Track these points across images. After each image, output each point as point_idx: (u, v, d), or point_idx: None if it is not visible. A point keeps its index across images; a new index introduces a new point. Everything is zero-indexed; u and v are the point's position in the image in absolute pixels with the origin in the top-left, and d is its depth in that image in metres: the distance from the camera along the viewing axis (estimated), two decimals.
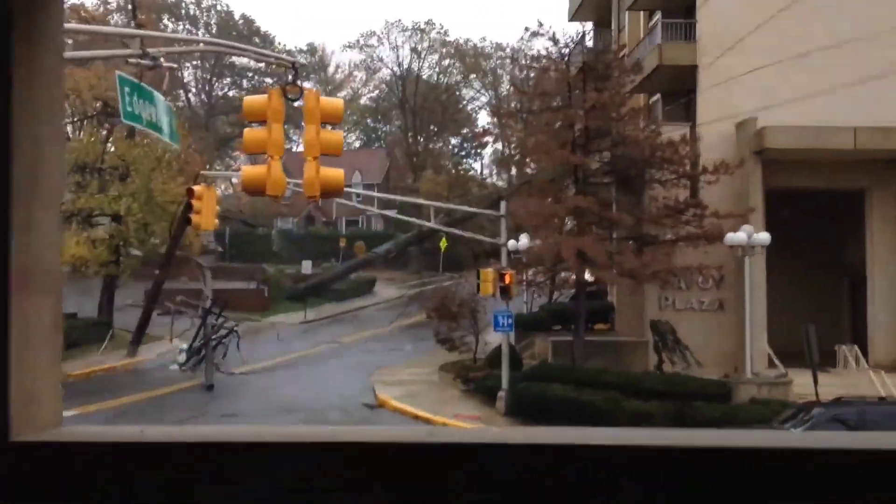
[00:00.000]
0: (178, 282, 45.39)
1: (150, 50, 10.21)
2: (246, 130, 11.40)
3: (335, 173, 11.39)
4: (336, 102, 12.72)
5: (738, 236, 26.88)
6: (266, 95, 11.38)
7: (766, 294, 28.33)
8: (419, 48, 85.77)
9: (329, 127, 11.46)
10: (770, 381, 26.24)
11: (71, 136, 51.59)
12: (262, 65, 68.78)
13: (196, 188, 20.60)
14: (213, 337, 30.80)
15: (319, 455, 1.18)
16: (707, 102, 30.74)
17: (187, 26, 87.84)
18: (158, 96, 11.12)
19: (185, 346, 31.99)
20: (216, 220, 23.06)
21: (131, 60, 10.15)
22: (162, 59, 10.43)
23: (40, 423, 1.25)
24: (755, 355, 27.19)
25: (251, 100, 11.52)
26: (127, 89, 10.09)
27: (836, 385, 24.14)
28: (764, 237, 27.06)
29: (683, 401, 23.90)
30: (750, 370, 26.85)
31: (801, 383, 24.37)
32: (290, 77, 11.75)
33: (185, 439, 1.24)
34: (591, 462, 1.19)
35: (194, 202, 20.52)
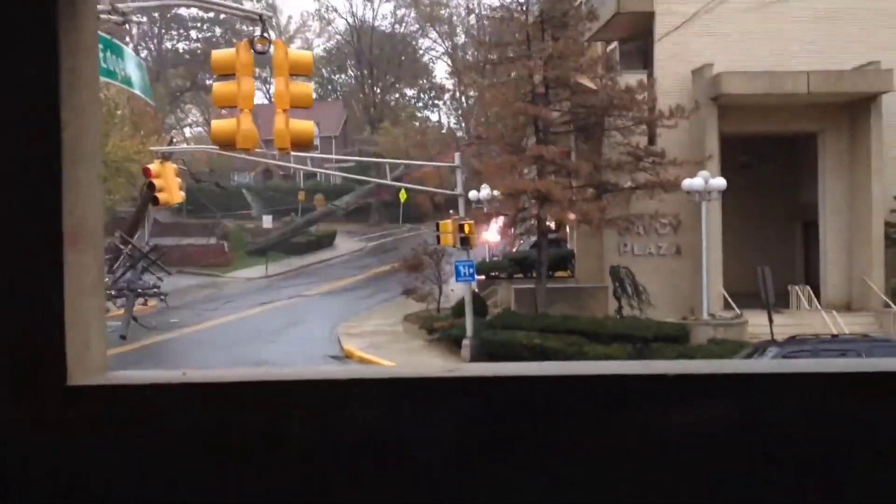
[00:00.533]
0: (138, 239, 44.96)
1: (118, 5, 10.20)
2: (215, 85, 11.44)
3: (305, 125, 11.51)
4: (305, 55, 12.78)
5: (694, 182, 27.38)
6: (234, 49, 11.42)
7: (723, 238, 28.94)
8: None
9: (299, 80, 11.57)
10: (726, 322, 26.97)
11: None
12: (209, 14, 67.48)
13: (151, 167, 20.40)
14: (134, 287, 30.05)
15: (358, 389, 1.30)
16: (664, 49, 31.01)
17: None
18: (128, 51, 11.13)
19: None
20: (182, 193, 22.88)
21: (101, 16, 10.12)
22: (131, 14, 10.40)
23: (92, 369, 1.35)
24: (712, 298, 27.88)
25: (219, 54, 11.55)
26: (101, 46, 10.07)
27: (790, 325, 24.88)
28: (720, 183, 27.58)
29: (643, 343, 24.53)
30: (707, 312, 27.54)
31: (757, 324, 25.07)
32: (247, 33, 11.78)
33: (223, 379, 1.33)
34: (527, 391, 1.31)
35: (155, 181, 20.34)
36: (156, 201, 21.36)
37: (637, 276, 29.07)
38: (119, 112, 41.31)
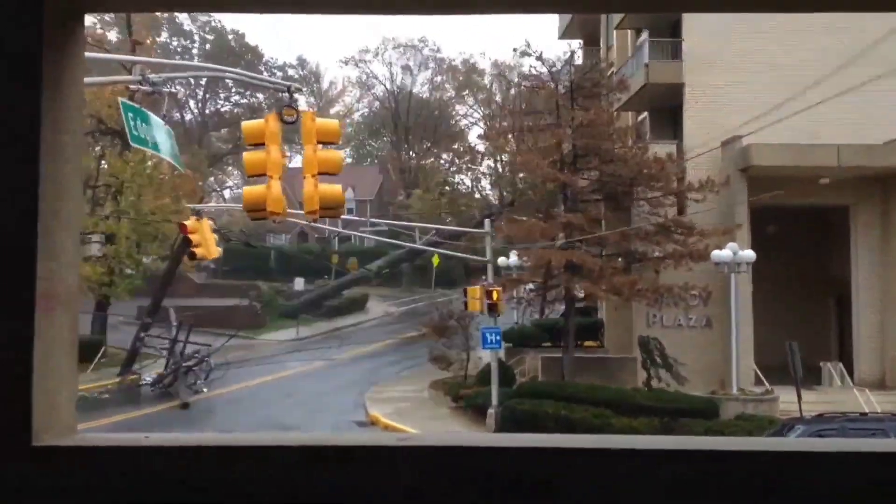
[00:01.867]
0: (173, 298, 45.47)
1: (150, 75, 10.54)
2: (246, 154, 11.79)
3: (333, 189, 11.73)
4: (332, 123, 13.05)
5: (723, 254, 27.22)
6: (263, 120, 11.76)
7: (753, 311, 28.63)
8: (412, 65, 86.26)
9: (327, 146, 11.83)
10: (756, 398, 26.53)
11: None
12: (267, 84, 69.18)
13: (188, 223, 20.79)
14: (184, 364, 31.53)
15: (313, 455, 1.32)
16: (693, 120, 31.19)
17: (183, 41, 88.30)
18: (157, 120, 11.45)
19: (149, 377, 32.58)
20: (218, 248, 23.23)
21: (132, 86, 10.46)
22: (161, 85, 10.75)
23: (59, 429, 1.37)
24: (742, 372, 27.48)
25: (249, 125, 11.90)
26: (131, 115, 10.42)
27: (821, 402, 24.40)
28: (749, 255, 27.39)
29: (671, 417, 24.18)
30: (736, 386, 27.12)
31: (787, 400, 24.63)
32: (286, 99, 12.07)
33: (184, 443, 1.35)
34: (551, 465, 1.28)
35: (192, 236, 20.67)
36: (193, 256, 21.66)
37: (666, 347, 28.77)
38: (157, 173, 42.18)
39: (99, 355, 37.99)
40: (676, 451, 1.32)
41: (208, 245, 19.94)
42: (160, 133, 11.57)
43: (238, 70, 17.52)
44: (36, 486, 1.32)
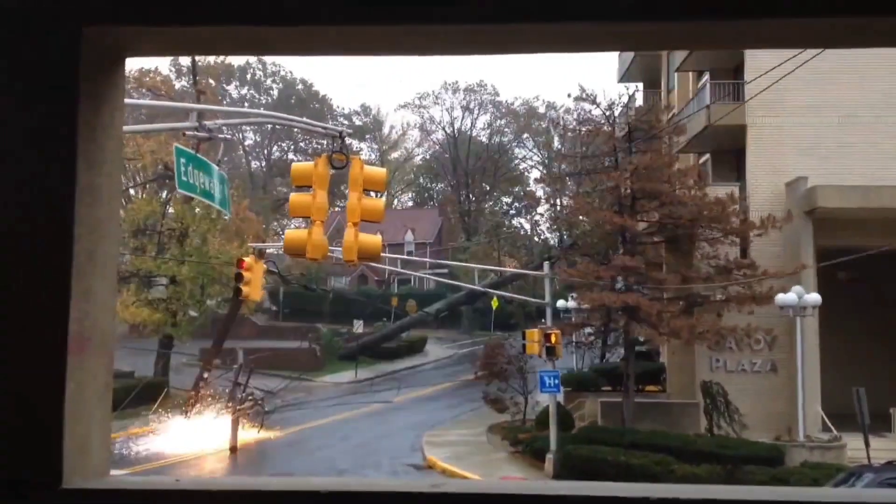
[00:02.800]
0: (235, 340, 46.01)
1: (206, 122, 10.75)
2: (292, 195, 11.88)
3: (372, 240, 11.75)
4: (379, 171, 13.13)
5: (788, 297, 26.58)
6: (313, 163, 11.87)
7: (820, 355, 27.85)
8: (471, 108, 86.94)
9: (374, 194, 11.89)
10: (823, 445, 25.69)
11: (133, 199, 53.20)
12: (318, 129, 70.44)
13: (246, 259, 21.14)
14: (239, 408, 31.85)
15: (343, 502, 1.29)
16: (756, 162, 30.75)
17: (251, 91, 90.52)
18: (213, 166, 11.63)
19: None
20: (262, 291, 23.50)
21: (188, 133, 10.68)
22: (217, 132, 10.96)
23: (90, 472, 1.37)
24: (808, 418, 26.67)
25: (298, 167, 12.03)
26: (183, 160, 10.62)
27: (890, 449, 23.53)
28: (814, 298, 26.71)
29: (735, 464, 23.53)
30: (803, 433, 26.32)
31: (855, 447, 23.81)
32: (336, 145, 12.19)
33: (215, 487, 1.34)
34: None
35: (245, 273, 20.98)
36: (238, 292, 21.87)
37: (730, 393, 28.14)
38: (222, 217, 43.02)
39: (162, 396, 38.53)
40: (745, 502, 1.26)
41: (255, 286, 20.16)
42: (212, 179, 11.75)
43: (289, 116, 17.83)
44: None
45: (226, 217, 42.49)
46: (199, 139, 10.77)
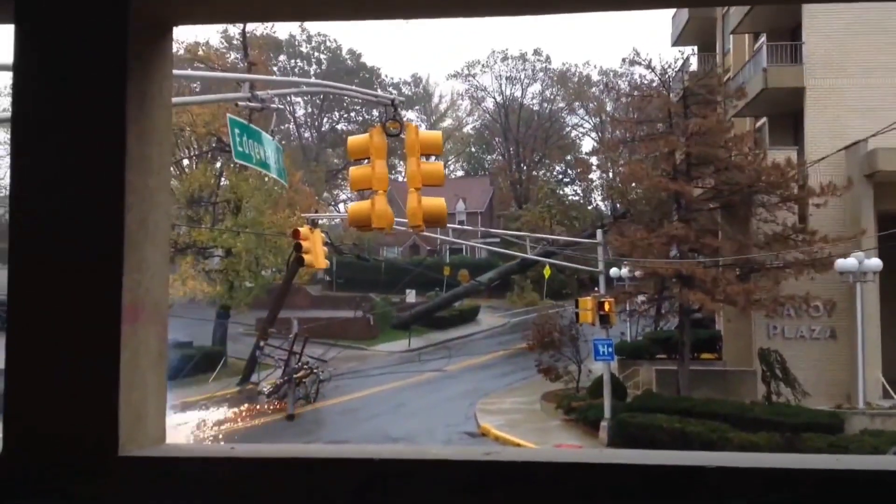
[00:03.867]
0: (290, 310, 46.56)
1: (257, 92, 10.80)
2: (352, 169, 11.90)
3: (436, 203, 11.70)
4: (435, 135, 13.08)
5: (848, 262, 26.04)
6: (368, 134, 11.86)
7: (881, 321, 27.30)
8: (521, 76, 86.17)
9: (431, 158, 11.87)
10: (884, 412, 25.25)
11: (186, 170, 53.91)
12: (370, 97, 70.59)
13: (301, 229, 21.32)
14: (295, 376, 32.30)
15: (396, 469, 1.31)
16: (815, 125, 30.03)
17: (299, 63, 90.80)
18: (266, 136, 11.69)
19: (267, 389, 33.49)
20: (326, 260, 23.72)
21: (241, 103, 10.75)
22: (269, 101, 11.00)
23: (145, 440, 1.41)
24: (869, 385, 26.22)
25: (355, 139, 12.00)
26: (237, 130, 10.68)
27: None
28: (875, 263, 26.13)
29: (793, 432, 23.23)
30: (863, 400, 25.89)
31: None
32: (389, 113, 12.15)
33: (270, 455, 1.37)
34: (662, 481, 1.23)
35: (303, 242, 21.17)
36: (301, 262, 22.12)
37: (788, 360, 27.76)
38: (274, 189, 43.43)
39: (220, 365, 39.25)
40: (801, 471, 1.23)
41: (317, 255, 20.31)
42: (267, 149, 11.81)
43: (341, 84, 17.83)
44: (121, 496, 1.33)
45: (282, 187, 42.95)
46: (252, 109, 10.81)
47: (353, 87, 16.70)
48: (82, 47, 1.35)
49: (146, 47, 1.40)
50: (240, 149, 10.59)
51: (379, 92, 14.99)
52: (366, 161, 11.59)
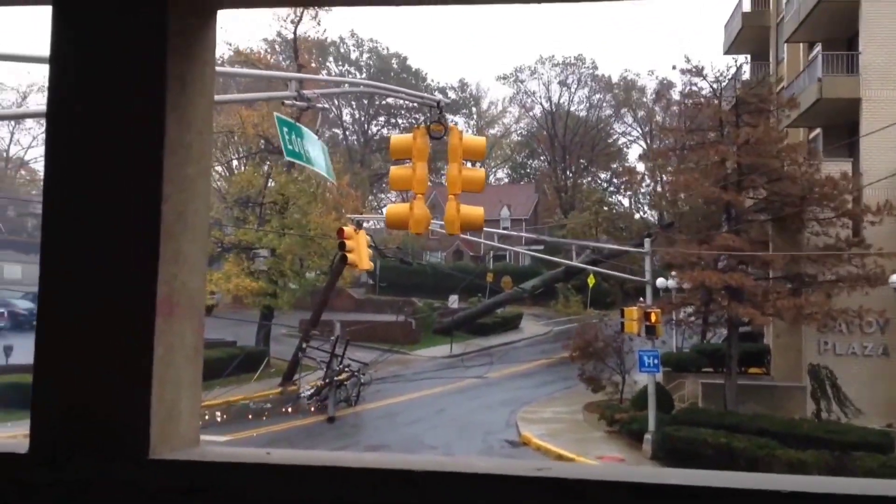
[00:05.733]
0: (333, 312, 46.69)
1: (304, 92, 10.71)
2: (392, 168, 11.74)
3: (475, 211, 11.50)
4: (478, 140, 12.90)
5: None
6: (411, 135, 11.70)
7: None
8: (569, 82, 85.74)
9: (474, 164, 11.66)
10: None
11: (235, 171, 54.40)
12: (414, 104, 70.79)
13: (346, 229, 21.31)
14: (336, 378, 32.27)
15: (434, 481, 1.23)
16: (870, 137, 29.33)
17: (348, 67, 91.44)
18: (311, 135, 11.61)
19: (309, 390, 33.49)
20: (370, 262, 23.69)
21: (287, 102, 10.68)
22: (315, 101, 10.90)
23: (178, 442, 1.35)
24: None
25: (397, 139, 11.84)
26: (286, 129, 10.61)
27: None
28: None
29: (843, 450, 22.63)
30: None
31: None
32: (434, 115, 11.99)
33: (304, 462, 1.31)
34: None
35: (347, 242, 21.18)
36: (345, 259, 22.12)
37: (839, 377, 27.11)
38: (320, 190, 43.67)
39: (263, 365, 39.42)
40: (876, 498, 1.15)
41: (361, 255, 20.28)
42: (314, 148, 11.73)
43: (387, 85, 17.79)
44: (152, 497, 1.28)
45: (330, 185, 43.15)
46: (299, 108, 10.74)
47: (398, 88, 16.62)
48: (121, 31, 1.31)
49: (188, 31, 1.36)
50: (289, 147, 10.53)
51: (424, 94, 14.86)
52: (408, 162, 11.44)
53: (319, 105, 11.00)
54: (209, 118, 1.44)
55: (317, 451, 1.48)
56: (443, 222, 11.16)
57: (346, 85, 18.34)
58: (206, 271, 1.49)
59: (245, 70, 28.96)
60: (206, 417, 30.68)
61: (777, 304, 25.98)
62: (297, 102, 10.58)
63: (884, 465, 21.57)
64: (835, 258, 26.60)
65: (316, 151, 11.46)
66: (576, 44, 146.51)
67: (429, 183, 15.00)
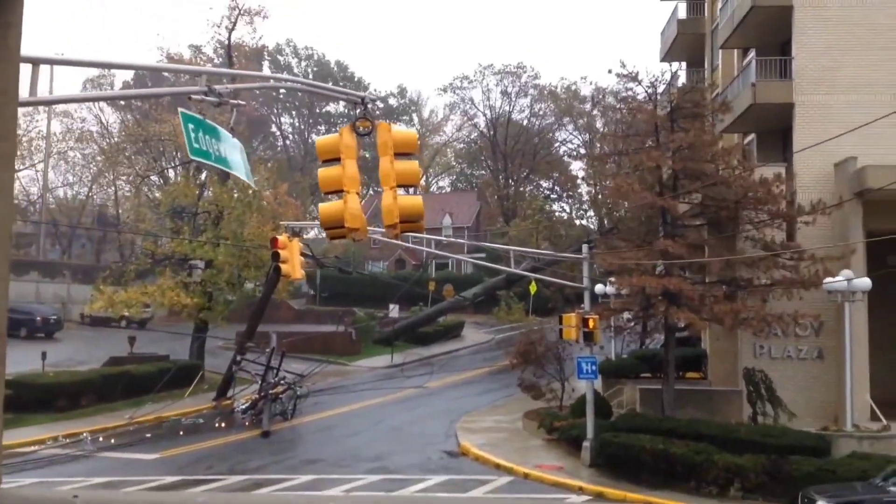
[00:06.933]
0: (271, 324, 45.81)
1: (215, 87, 10.20)
2: (320, 171, 11.24)
3: (413, 201, 11.05)
4: (409, 133, 12.46)
5: (837, 282, 25.54)
6: (338, 133, 11.24)
7: (871, 343, 26.79)
8: (510, 91, 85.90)
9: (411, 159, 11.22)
10: (872, 435, 24.68)
11: (170, 180, 53.20)
12: (356, 111, 70.29)
13: (280, 238, 20.71)
14: (271, 392, 31.59)
15: None
16: (804, 141, 29.57)
17: (286, 74, 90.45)
18: (224, 133, 11.08)
19: (243, 404, 32.65)
20: (303, 271, 23.06)
21: (195, 97, 10.15)
22: (228, 97, 10.37)
23: None
24: (857, 407, 25.66)
25: (324, 139, 11.38)
26: (191, 126, 10.08)
27: None
28: (864, 283, 25.64)
29: (779, 454, 22.64)
30: (850, 423, 25.34)
31: None
32: (360, 112, 11.52)
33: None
34: None
35: (281, 251, 20.59)
36: (278, 270, 21.52)
37: (774, 380, 27.23)
38: (257, 201, 42.80)
39: (196, 379, 38.44)
40: None
41: (294, 264, 19.75)
42: (227, 146, 11.17)
43: (308, 80, 17.24)
44: None
45: (267, 194, 42.30)
46: (210, 104, 10.20)
47: (322, 84, 16.06)
48: None
49: None
50: (195, 145, 9.98)
51: (347, 90, 14.34)
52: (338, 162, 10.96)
53: (234, 102, 10.47)
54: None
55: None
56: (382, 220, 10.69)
57: (272, 80, 17.73)
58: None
59: (155, 65, 28.12)
60: (134, 435, 29.73)
61: (714, 309, 25.98)
62: (207, 98, 10.06)
63: (820, 469, 21.59)
64: (770, 262, 26.70)
65: (230, 151, 10.92)
66: (515, 52, 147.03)
67: (363, 188, 14.55)
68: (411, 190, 12.30)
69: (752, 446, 23.32)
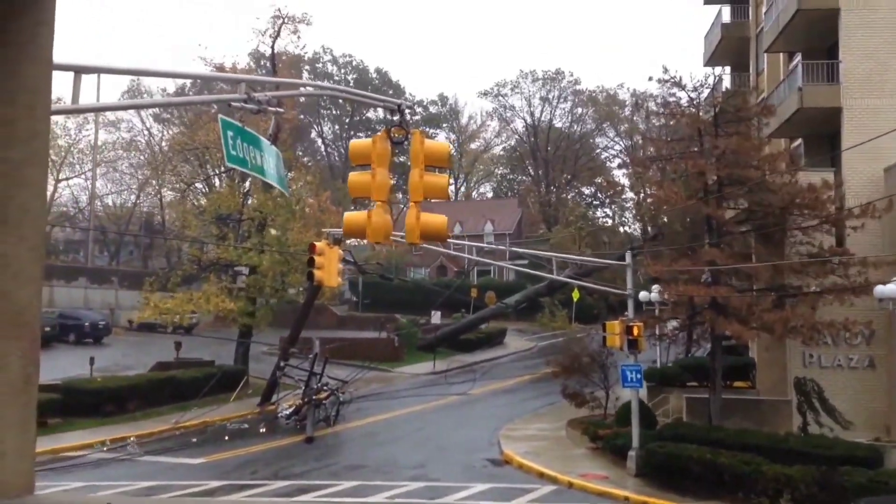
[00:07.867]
0: (314, 330, 46.07)
1: (255, 94, 10.25)
2: (350, 175, 11.22)
3: (437, 219, 11.02)
4: (442, 145, 12.41)
5: (888, 288, 24.94)
6: (371, 139, 11.23)
7: None
8: (550, 97, 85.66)
9: (439, 171, 11.14)
10: None
11: (215, 187, 53.76)
12: (395, 118, 70.53)
13: (318, 244, 20.73)
14: (315, 397, 31.70)
15: None
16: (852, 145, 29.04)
17: (327, 82, 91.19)
18: (264, 141, 11.12)
19: (287, 410, 32.79)
20: (339, 279, 22.95)
21: (235, 104, 10.20)
22: (267, 104, 10.40)
23: (3, 490, 1.19)
24: None
25: (357, 143, 11.38)
26: (230, 133, 10.14)
27: None
28: None
29: (829, 465, 22.17)
30: None
31: None
32: (396, 120, 11.48)
33: None
34: None
35: (316, 258, 20.53)
36: (310, 277, 21.29)
37: (825, 389, 26.71)
38: (300, 208, 43.18)
39: (241, 384, 38.78)
40: None
41: (330, 272, 19.65)
42: (266, 154, 11.21)
43: (344, 87, 17.33)
44: None
45: (311, 202, 42.58)
46: (249, 111, 10.25)
47: (358, 91, 16.05)
48: None
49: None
50: (232, 152, 10.04)
51: (385, 97, 14.29)
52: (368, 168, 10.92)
53: (272, 109, 10.53)
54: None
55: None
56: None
57: (308, 87, 17.77)
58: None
59: (194, 73, 28.41)
60: (180, 440, 30.04)
61: (763, 318, 25.56)
62: (247, 105, 10.11)
63: (872, 480, 21.09)
64: (819, 269, 26.22)
65: (266, 158, 10.95)
66: (555, 58, 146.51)
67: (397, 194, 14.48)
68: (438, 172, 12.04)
69: (802, 457, 22.86)
